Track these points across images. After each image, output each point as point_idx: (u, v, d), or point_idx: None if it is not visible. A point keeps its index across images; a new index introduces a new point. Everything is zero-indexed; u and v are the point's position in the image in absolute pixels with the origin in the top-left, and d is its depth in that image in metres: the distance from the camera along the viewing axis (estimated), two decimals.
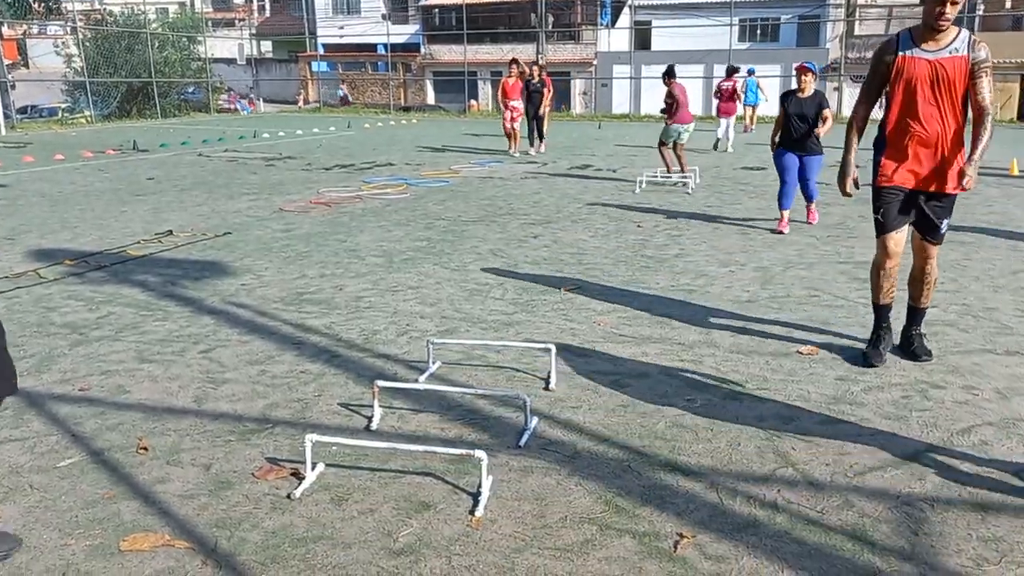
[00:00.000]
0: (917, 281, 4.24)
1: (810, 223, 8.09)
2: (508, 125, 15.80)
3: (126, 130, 24.14)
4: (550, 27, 35.91)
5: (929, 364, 4.16)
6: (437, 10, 46.08)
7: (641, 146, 18.00)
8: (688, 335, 4.71)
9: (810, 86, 7.52)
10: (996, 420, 3.48)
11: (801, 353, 4.37)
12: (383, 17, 44.41)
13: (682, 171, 11.37)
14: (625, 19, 39.94)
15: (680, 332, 4.77)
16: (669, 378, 4.04)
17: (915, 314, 4.31)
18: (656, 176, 11.77)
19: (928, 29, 3.83)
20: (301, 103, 42.58)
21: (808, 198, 8.04)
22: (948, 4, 3.67)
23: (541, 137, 16.24)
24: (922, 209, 4.05)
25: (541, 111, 15.85)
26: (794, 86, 7.80)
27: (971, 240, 7.24)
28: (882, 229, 4.12)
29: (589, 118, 31.52)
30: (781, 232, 7.71)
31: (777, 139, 7.77)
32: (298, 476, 3.07)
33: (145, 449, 3.28)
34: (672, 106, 10.87)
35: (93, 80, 28.46)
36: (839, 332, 4.73)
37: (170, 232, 8.02)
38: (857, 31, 35.00)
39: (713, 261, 6.63)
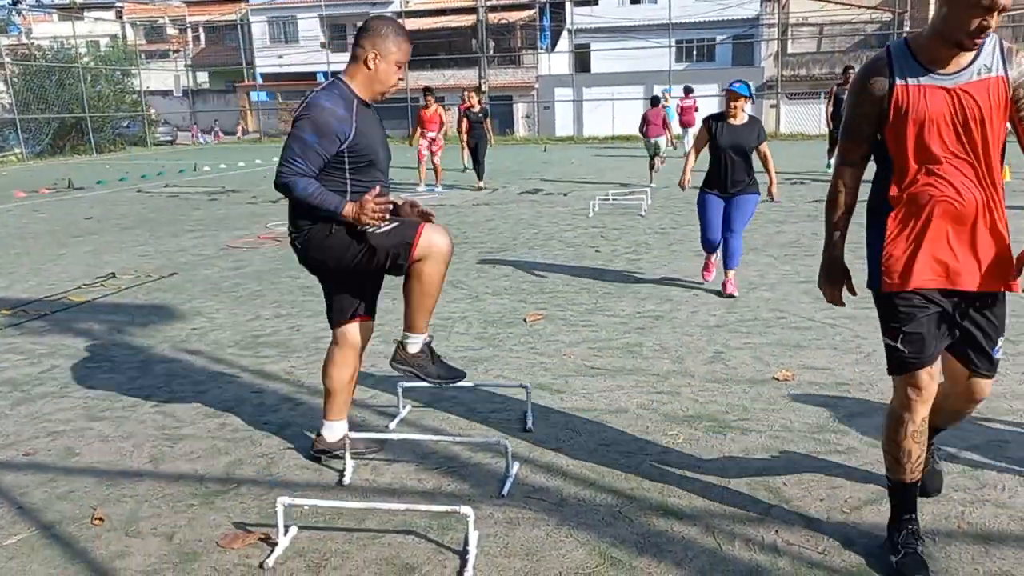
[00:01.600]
0: (951, 419, 2.87)
1: (728, 295, 6.13)
2: (424, 153, 14.22)
3: (60, 167, 23.42)
4: (491, 52, 36.05)
5: None
6: None
7: (589, 168, 18.07)
8: (661, 364, 4.62)
9: (742, 112, 6.06)
10: (980, 442, 3.45)
11: (777, 379, 4.31)
12: (321, 45, 44.18)
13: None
14: (564, 43, 40.39)
15: (652, 362, 4.68)
16: (647, 412, 3.94)
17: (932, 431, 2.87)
18: (608, 199, 11.77)
19: (948, 45, 2.38)
20: (240, 134, 41.94)
21: (728, 261, 6.20)
22: (993, 14, 2.28)
23: (480, 173, 14.83)
24: (960, 323, 2.55)
25: (489, 143, 14.86)
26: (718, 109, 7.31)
27: None
28: (905, 365, 2.51)
29: (534, 141, 31.66)
30: (706, 280, 6.53)
31: (688, 175, 6.60)
32: (269, 542, 2.87)
33: (100, 520, 3.04)
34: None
35: (23, 117, 27.60)
36: (810, 355, 4.69)
37: (112, 275, 7.69)
38: (791, 49, 35.89)
39: (676, 285, 6.58)
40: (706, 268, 6.56)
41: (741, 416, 3.84)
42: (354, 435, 3.43)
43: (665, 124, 14.97)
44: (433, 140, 14.17)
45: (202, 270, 7.87)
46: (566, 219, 10.47)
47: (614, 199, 11.89)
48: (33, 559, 2.79)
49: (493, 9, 37.81)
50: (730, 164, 6.04)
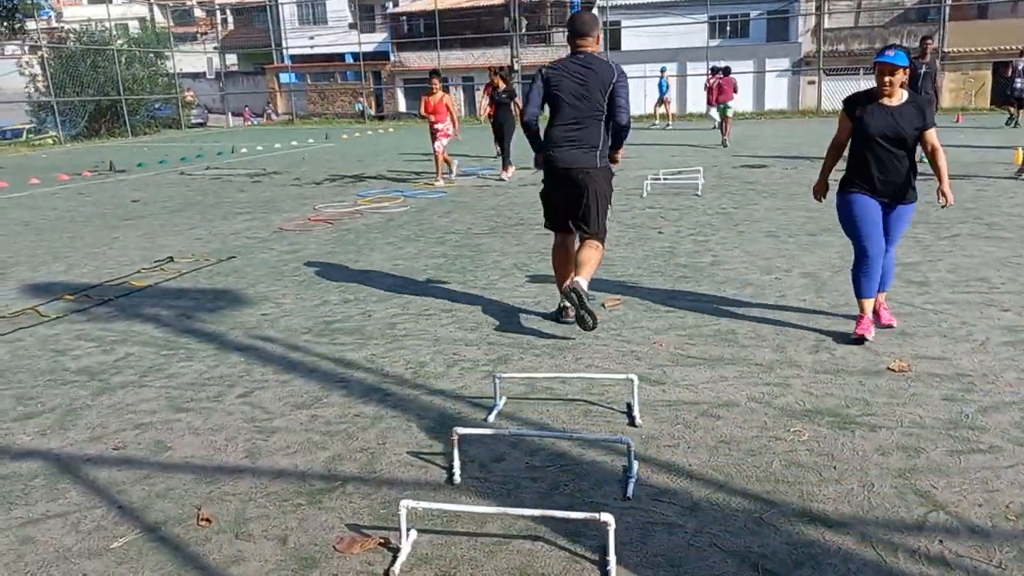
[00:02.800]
0: None
1: (885, 325, 4.70)
2: (440, 150, 12.69)
3: (98, 150, 23.47)
4: (523, 30, 35.60)
5: None
6: (405, 17, 45.66)
7: (632, 145, 17.72)
8: (761, 354, 4.39)
9: (899, 90, 4.42)
10: None
11: (893, 370, 4.06)
12: (350, 26, 43.91)
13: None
14: None
15: (751, 351, 4.44)
16: (761, 406, 3.71)
17: None
18: (660, 178, 11.49)
19: None
20: (271, 115, 41.86)
21: (881, 281, 4.66)
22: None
23: (506, 159, 13.29)
24: None
25: (511, 123, 13.07)
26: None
27: (1009, 235, 7.00)
28: None
29: None
30: (862, 338, 4.46)
31: (825, 180, 4.80)
32: (389, 547, 2.69)
33: (208, 521, 2.88)
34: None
35: (60, 99, 27.67)
36: (920, 343, 4.44)
37: (171, 259, 7.57)
38: (827, 24, 35.05)
39: (753, 268, 6.32)
40: (861, 319, 4.54)
41: (864, 411, 3.60)
42: (463, 430, 3.23)
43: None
44: (439, 131, 12.51)
45: (259, 253, 7.72)
46: (620, 199, 10.18)
47: (666, 179, 11.60)
48: (144, 564, 2.64)
49: None
50: (885, 159, 4.40)
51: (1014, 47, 24.04)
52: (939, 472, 3.03)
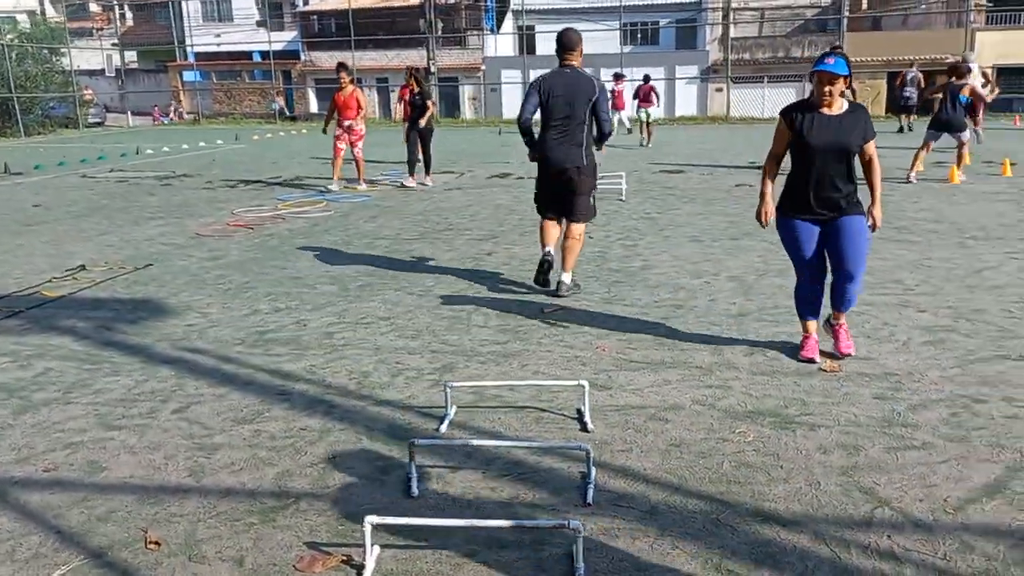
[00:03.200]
0: None
1: (843, 353, 4.36)
2: (340, 147, 11.89)
3: None
4: (439, 32, 35.48)
5: (959, 375, 4.08)
6: (315, 16, 44.88)
7: None
8: (701, 356, 4.49)
9: (839, 99, 4.13)
10: None
11: (825, 371, 4.22)
12: (258, 24, 42.87)
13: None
14: (509, 24, 40.02)
15: (691, 354, 4.54)
16: (706, 408, 3.80)
17: None
18: None
19: None
20: (172, 115, 40.43)
21: (839, 302, 4.36)
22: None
23: (427, 166, 12.53)
24: None
25: (420, 125, 12.03)
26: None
27: (917, 239, 7.38)
28: None
29: (484, 123, 31.30)
30: (811, 360, 4.31)
31: (769, 204, 4.39)
32: (352, 564, 2.64)
33: (157, 544, 2.76)
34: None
35: None
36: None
37: (83, 267, 7.22)
38: (733, 33, 36.18)
39: (683, 272, 6.46)
40: (805, 343, 4.40)
41: (802, 411, 3.73)
42: (422, 441, 3.19)
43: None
44: (350, 129, 11.65)
45: (177, 261, 7.45)
46: None
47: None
48: None
49: None
50: (825, 173, 4.15)
51: (906, 58, 25.35)
52: (879, 469, 3.17)
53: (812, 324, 4.46)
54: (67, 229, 9.30)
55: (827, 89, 4.08)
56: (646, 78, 19.56)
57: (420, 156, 12.35)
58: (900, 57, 28.83)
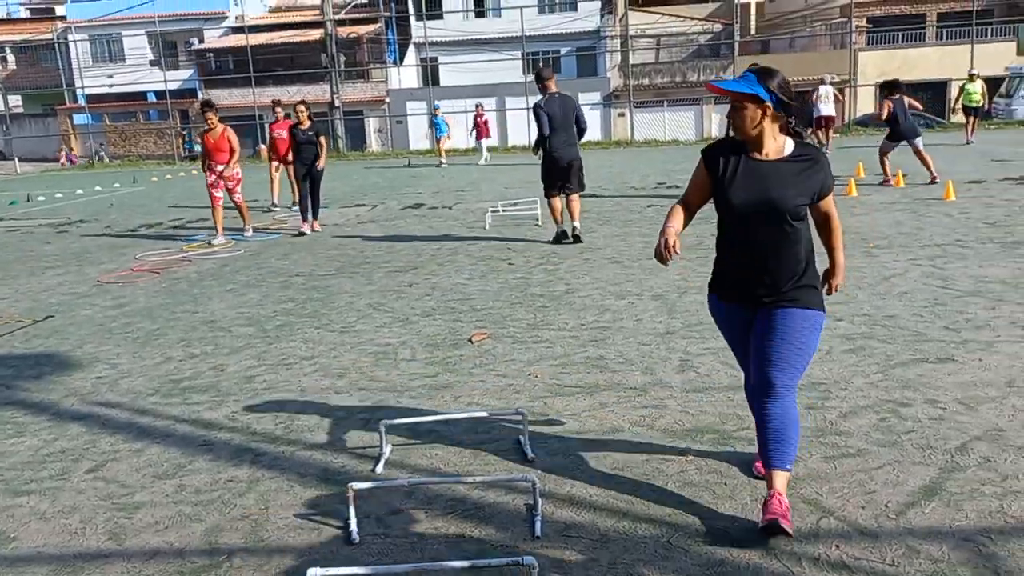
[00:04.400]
0: None
1: (765, 518, 2.79)
2: (217, 195, 10.56)
3: None
4: (341, 67, 35.22)
5: (882, 380, 4.19)
6: (211, 54, 44.03)
7: (460, 181, 17.89)
8: (634, 377, 4.49)
9: (772, 134, 2.91)
10: (980, 433, 3.51)
11: None
12: (151, 63, 41.74)
13: None
14: (412, 56, 40.09)
15: (623, 375, 4.54)
16: (644, 429, 3.78)
17: None
18: (499, 210, 11.64)
19: None
20: (64, 160, 38.79)
21: (764, 444, 2.94)
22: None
23: (315, 210, 11.17)
24: None
25: (318, 167, 10.87)
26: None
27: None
28: None
29: (391, 155, 31.13)
30: (774, 528, 2.73)
31: (673, 239, 2.97)
32: None
33: None
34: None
35: None
36: None
37: None
38: (632, 60, 37.19)
39: (606, 294, 6.49)
40: (767, 502, 2.83)
41: (739, 425, 3.75)
42: (359, 484, 3.06)
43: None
44: (223, 175, 10.43)
45: (80, 311, 7.07)
46: (464, 232, 10.24)
47: (504, 210, 11.77)
48: None
49: (340, 23, 36.98)
50: (753, 241, 2.93)
51: (797, 78, 26.49)
52: (819, 479, 3.20)
53: (774, 475, 2.91)
54: None
55: (738, 118, 2.86)
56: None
57: (311, 198, 11.03)
58: (795, 77, 30.16)
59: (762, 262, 2.93)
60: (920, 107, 13.98)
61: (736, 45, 33.51)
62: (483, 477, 3.32)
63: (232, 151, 10.38)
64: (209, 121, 10.34)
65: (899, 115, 12.00)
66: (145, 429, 4.17)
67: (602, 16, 38.40)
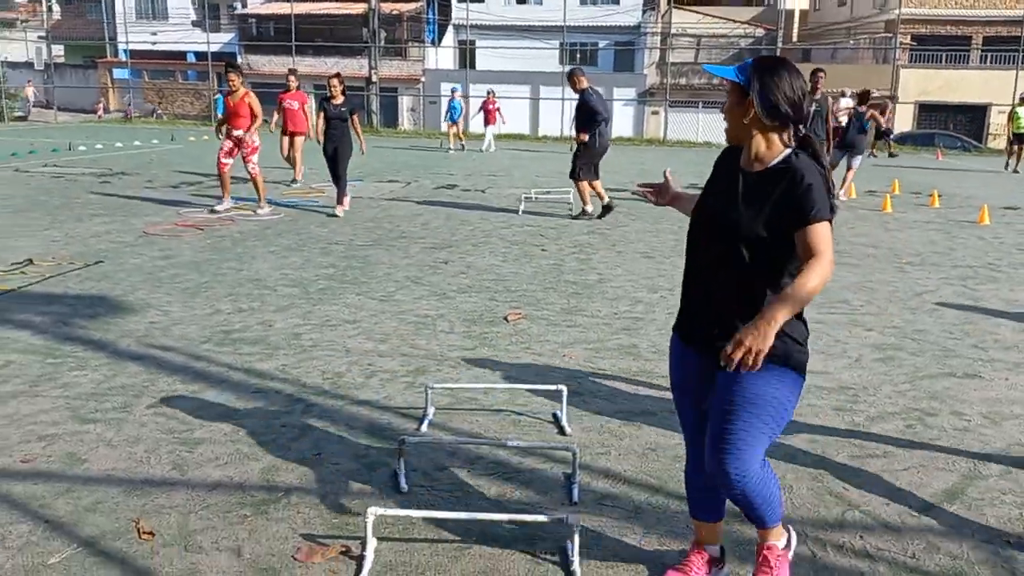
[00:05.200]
0: None
1: None
2: (225, 161, 10.11)
3: None
4: (381, 43, 35.39)
5: (910, 390, 4.33)
6: (254, 19, 44.27)
7: (493, 165, 18.04)
8: (665, 367, 4.63)
9: (764, 141, 2.28)
10: (1004, 446, 3.65)
11: None
12: (193, 24, 42.06)
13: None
14: (450, 38, 40.20)
15: (656, 364, 4.70)
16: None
17: None
18: (532, 197, 11.80)
19: None
20: (101, 112, 39.26)
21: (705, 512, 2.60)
22: None
23: (342, 188, 10.30)
24: None
25: (364, 151, 10.62)
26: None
27: (858, 263, 7.74)
28: None
29: (423, 134, 31.30)
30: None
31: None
32: (350, 555, 2.68)
33: (151, 534, 2.75)
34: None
35: None
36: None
37: (30, 261, 7.02)
38: (671, 59, 37.13)
39: (639, 287, 6.65)
40: (696, 543, 2.64)
41: None
42: (412, 438, 3.25)
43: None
44: (240, 141, 9.91)
45: (129, 259, 7.30)
46: (497, 216, 10.40)
47: (537, 197, 11.92)
48: None
49: None
50: (706, 271, 2.38)
51: (836, 89, 26.41)
52: (846, 475, 3.36)
53: (699, 526, 2.63)
54: (6, 223, 9.00)
55: (725, 111, 2.38)
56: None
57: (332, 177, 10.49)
58: (833, 89, 30.04)
59: (710, 300, 2.34)
60: (882, 121, 15.44)
61: (778, 51, 33.35)
62: (528, 443, 3.50)
63: (253, 117, 9.97)
64: (231, 83, 9.97)
65: (853, 126, 12.66)
66: (200, 373, 4.38)
67: (644, 12, 38.30)
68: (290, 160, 13.42)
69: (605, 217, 10.15)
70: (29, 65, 43.13)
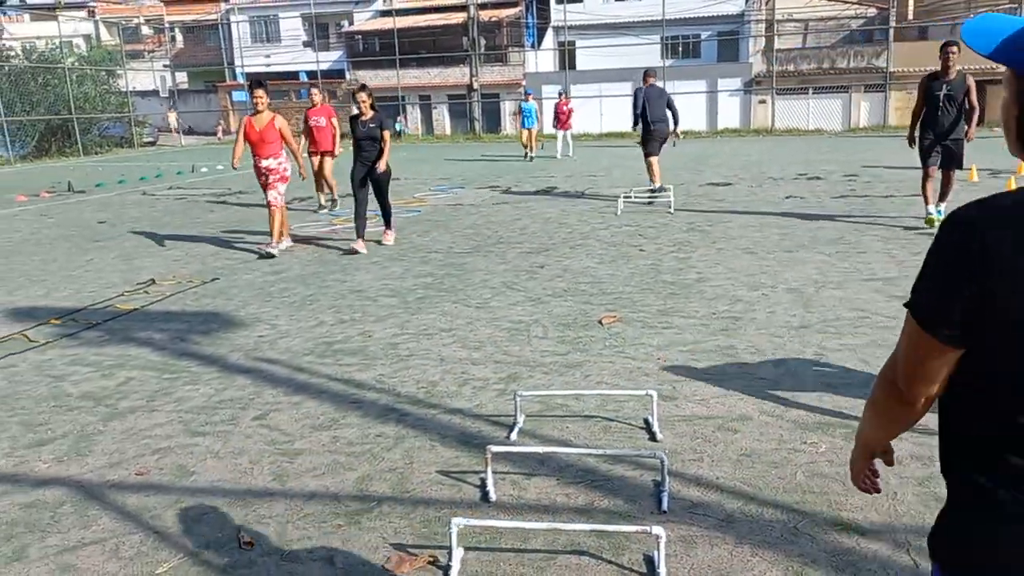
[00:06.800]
0: None
1: None
2: (271, 198, 8.54)
3: (52, 170, 22.97)
4: (481, 50, 35.86)
5: None
6: (360, 36, 45.67)
7: (592, 166, 17.97)
8: (765, 369, 4.52)
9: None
10: None
11: None
12: (304, 44, 43.75)
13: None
14: (550, 40, 40.27)
15: (754, 365, 4.57)
16: (775, 419, 3.83)
17: None
18: (631, 197, 11.69)
19: None
20: (220, 134, 41.40)
21: None
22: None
23: (387, 218, 8.98)
24: None
25: (379, 169, 8.48)
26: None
27: None
28: None
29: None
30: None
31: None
32: (439, 565, 2.73)
33: (251, 544, 2.89)
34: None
35: (9, 119, 27.02)
36: None
37: (152, 281, 7.47)
38: (777, 45, 35.99)
39: (739, 285, 6.48)
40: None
41: None
42: (496, 448, 3.29)
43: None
44: (268, 170, 8.44)
45: (242, 275, 7.67)
46: (595, 218, 10.36)
47: (637, 197, 11.80)
48: None
49: (483, 7, 37.60)
50: None
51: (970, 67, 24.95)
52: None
53: None
54: (134, 245, 9.61)
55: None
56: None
57: (379, 206, 8.94)
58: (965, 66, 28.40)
59: None
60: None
61: (891, 31, 31.86)
62: (614, 450, 3.47)
63: (282, 141, 8.46)
64: (257, 103, 8.33)
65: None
66: (302, 385, 4.56)
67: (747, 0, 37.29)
68: (320, 183, 11.88)
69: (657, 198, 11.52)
70: (155, 93, 45.80)
